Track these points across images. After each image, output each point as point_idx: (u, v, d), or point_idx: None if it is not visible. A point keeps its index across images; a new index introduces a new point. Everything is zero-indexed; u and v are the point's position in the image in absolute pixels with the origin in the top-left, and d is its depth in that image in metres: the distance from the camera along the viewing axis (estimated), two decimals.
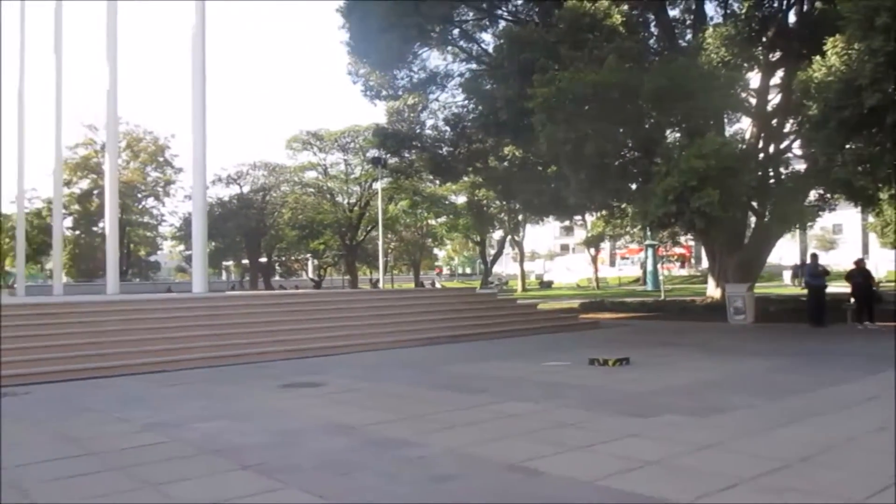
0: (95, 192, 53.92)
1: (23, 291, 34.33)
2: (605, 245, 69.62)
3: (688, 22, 24.23)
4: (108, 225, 25.79)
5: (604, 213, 31.09)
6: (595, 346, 13.68)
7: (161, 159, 58.04)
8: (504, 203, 47.25)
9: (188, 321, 14.72)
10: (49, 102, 32.25)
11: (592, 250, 60.04)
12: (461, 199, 55.51)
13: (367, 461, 5.63)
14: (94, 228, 55.61)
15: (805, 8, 20.08)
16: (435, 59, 28.75)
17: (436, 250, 77.80)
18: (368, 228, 56.71)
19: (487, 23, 25.98)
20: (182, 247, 61.66)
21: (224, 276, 73.18)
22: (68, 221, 54.19)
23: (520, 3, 25.04)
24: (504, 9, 25.21)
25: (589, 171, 17.92)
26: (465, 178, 36.95)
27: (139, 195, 57.64)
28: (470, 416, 7.35)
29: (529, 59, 19.38)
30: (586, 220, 54.92)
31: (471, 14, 25.51)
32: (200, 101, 20.41)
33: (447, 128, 28.52)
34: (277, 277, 64.97)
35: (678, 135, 19.62)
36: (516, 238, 59.10)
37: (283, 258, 65.30)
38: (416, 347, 15.01)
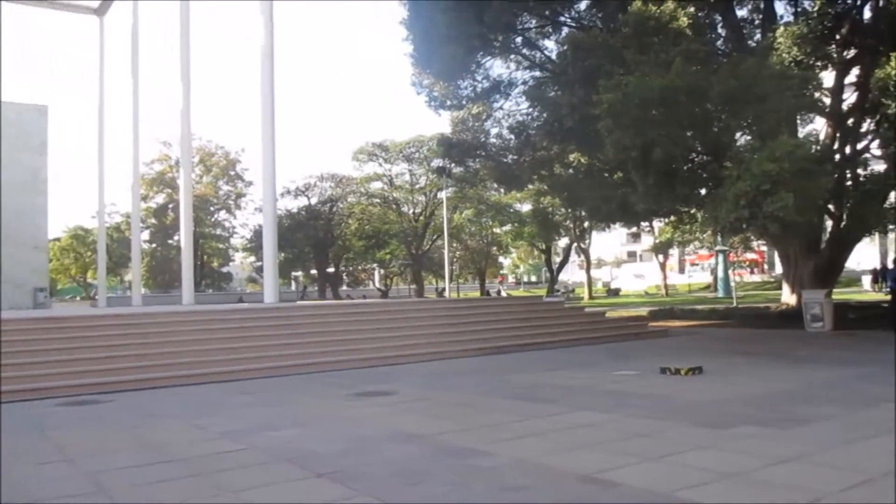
0: (170, 205, 55.82)
1: (104, 302, 35.74)
2: (674, 251, 68.23)
3: (756, 22, 23.62)
4: (184, 238, 26.66)
5: (672, 218, 30.48)
6: (666, 355, 13.43)
7: (232, 173, 59.73)
8: (569, 210, 46.88)
9: (260, 331, 15.05)
10: (127, 121, 33.58)
11: (661, 257, 58.95)
12: (526, 207, 55.28)
13: (437, 470, 5.66)
14: (170, 241, 57.51)
15: (881, 3, 19.35)
16: (498, 67, 28.78)
17: (501, 259, 77.65)
18: (434, 238, 57.05)
19: (550, 30, 25.86)
20: (252, 258, 63.16)
21: (293, 287, 74.61)
22: (145, 234, 56.22)
23: (583, 8, 24.84)
24: (567, 15, 25.05)
25: (657, 176, 17.61)
26: (530, 186, 36.72)
27: (212, 208, 59.37)
28: (540, 426, 7.31)
29: (594, 64, 19.22)
30: (654, 227, 53.98)
31: (533, 22, 25.45)
32: (270, 117, 20.93)
33: (511, 136, 28.44)
34: (344, 287, 65.91)
35: (748, 137, 19.13)
36: (582, 245, 58.50)
37: (351, 268, 66.19)
38: (484, 356, 15.00)
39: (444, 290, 57.70)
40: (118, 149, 67.02)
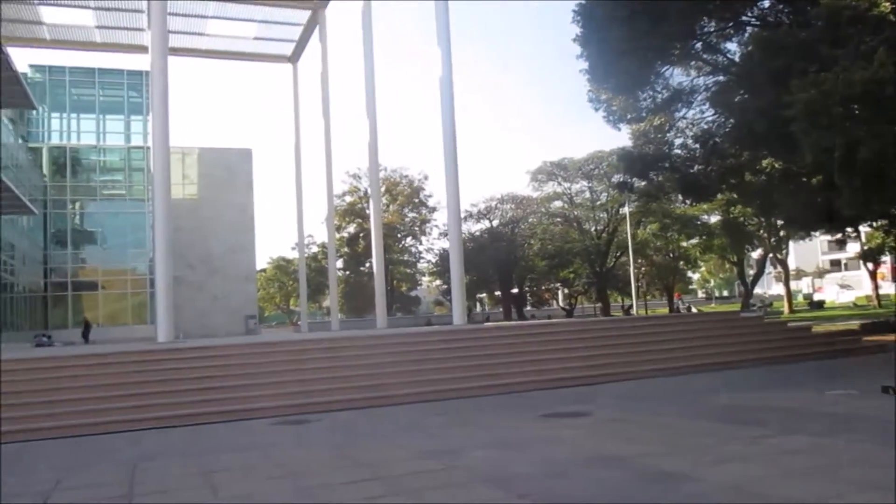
0: (361, 234, 58.87)
1: (306, 328, 38.26)
2: (886, 258, 62.04)
3: None
4: (375, 264, 27.99)
5: (883, 222, 27.84)
6: (886, 372, 12.23)
7: (416, 200, 62.01)
8: (763, 219, 44.17)
9: (451, 353, 15.44)
10: (320, 158, 35.95)
11: (870, 265, 53.84)
12: (715, 219, 52.72)
13: (643, 495, 5.52)
14: (362, 268, 60.60)
15: None
16: (678, 75, 27.77)
17: (689, 273, 74.45)
18: (618, 254, 55.90)
19: (732, 31, 24.67)
20: (439, 281, 65.04)
21: (478, 308, 75.90)
22: (339, 263, 59.61)
23: (767, 5, 23.50)
24: (750, 14, 23.79)
25: (864, 177, 16.20)
26: (719, 196, 35.06)
27: (399, 235, 61.88)
28: (747, 450, 6.92)
29: (783, 63, 18.07)
30: (861, 232, 49.45)
31: (713, 24, 24.43)
32: (451, 146, 21.61)
33: (697, 145, 27.37)
34: (528, 307, 66.06)
35: None
36: (779, 256, 54.76)
37: (534, 288, 66.27)
38: (678, 376, 14.45)
39: (630, 307, 56.20)
40: (313, 184, 71.59)
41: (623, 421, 9.40)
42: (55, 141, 46.80)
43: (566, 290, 66.95)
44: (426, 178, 62.49)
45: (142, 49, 37.54)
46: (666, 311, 58.15)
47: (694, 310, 58.84)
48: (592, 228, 57.57)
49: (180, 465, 7.84)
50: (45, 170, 45.57)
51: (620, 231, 52.80)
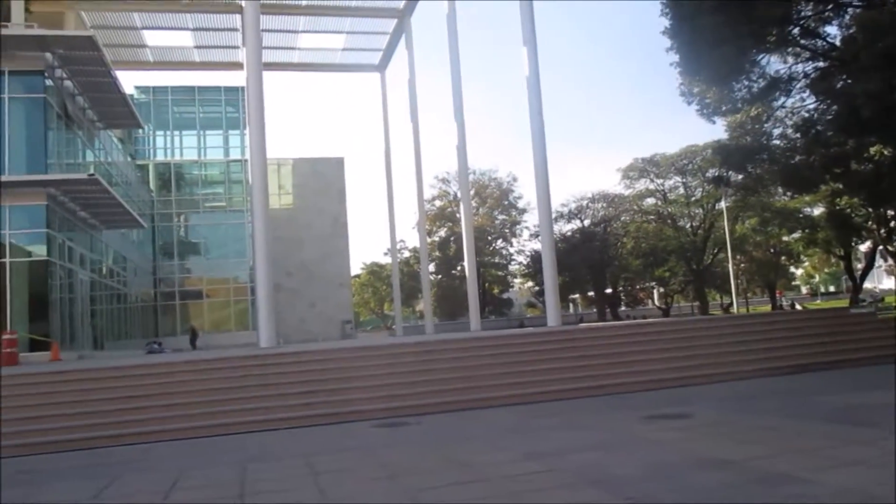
0: (452, 238, 59.29)
1: (401, 331, 38.81)
2: None
3: None
4: (468, 268, 28.13)
5: None
6: None
7: (506, 203, 61.98)
8: (872, 210, 41.94)
9: (546, 354, 15.35)
10: (409, 163, 36.44)
11: None
12: (818, 211, 50.42)
13: (754, 498, 5.36)
14: (453, 272, 61.01)
15: None
16: (775, 63, 26.83)
17: (792, 269, 71.43)
18: (715, 251, 54.29)
19: (831, 14, 23.62)
20: (531, 283, 64.76)
21: (571, 309, 75.14)
22: (431, 267, 60.22)
23: None
24: None
25: None
26: (822, 187, 33.56)
27: (489, 238, 62.00)
28: (865, 453, 6.60)
29: (890, 44, 17.19)
30: None
31: (810, 8, 23.45)
32: (541, 146, 21.49)
33: (797, 135, 26.32)
34: (623, 308, 64.93)
35: None
36: (889, 248, 51.81)
37: (629, 288, 65.10)
38: (783, 376, 13.91)
39: (730, 305, 54.42)
40: (404, 189, 72.53)
41: (728, 423, 9.13)
42: (160, 158, 49.28)
43: (662, 290, 65.47)
44: (515, 179, 62.47)
45: (237, 66, 39.11)
46: (768, 308, 56.01)
47: (798, 307, 56.46)
48: (688, 225, 56.12)
49: (287, 466, 8.11)
50: (152, 185, 48.02)
51: (717, 227, 51.26)
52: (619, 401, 11.96)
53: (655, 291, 68.63)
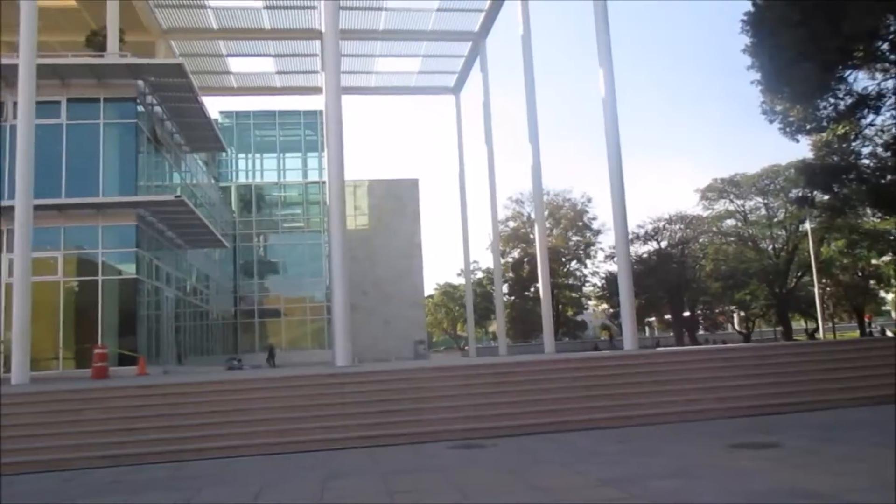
0: (525, 259, 59.04)
1: (474, 353, 38.76)
2: None
3: None
4: (542, 289, 27.97)
5: None
6: None
7: (580, 223, 61.43)
8: None
9: (624, 378, 15.06)
10: (483, 184, 36.59)
11: None
12: None
13: None
14: (526, 293, 60.67)
15: None
16: (862, 79, 25.91)
17: (882, 293, 68.22)
18: (799, 274, 52.40)
19: None
20: (606, 305, 63.81)
21: (647, 333, 73.63)
22: (504, 288, 60.05)
23: None
24: None
25: None
26: None
27: (563, 259, 61.48)
28: None
29: None
30: None
31: None
32: (617, 167, 21.26)
33: (888, 153, 25.26)
34: (701, 332, 63.22)
35: None
36: None
37: (707, 311, 63.38)
38: (873, 406, 13.24)
39: (815, 331, 52.33)
40: (477, 210, 72.95)
41: (818, 453, 8.74)
42: (242, 180, 50.85)
43: (742, 313, 63.49)
44: (589, 200, 61.90)
45: (317, 90, 40.19)
46: (856, 334, 53.62)
47: (889, 333, 53.81)
48: (770, 247, 54.40)
49: (364, 484, 8.18)
50: (234, 206, 49.56)
51: (801, 249, 49.52)
52: (700, 427, 11.63)
53: (735, 315, 66.60)
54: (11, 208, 18.78)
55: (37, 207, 19.00)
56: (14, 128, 21.00)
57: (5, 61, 23.13)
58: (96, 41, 28.96)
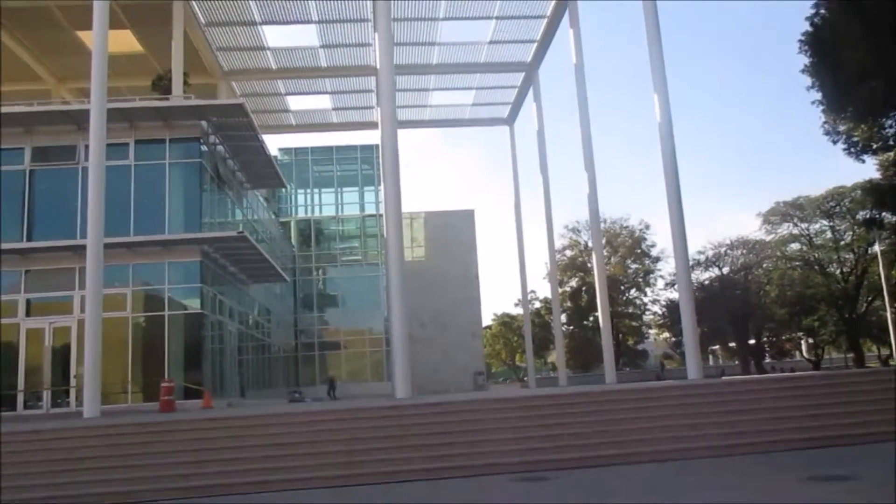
0: (583, 288, 58.43)
1: (534, 383, 38.37)
2: None
3: None
4: (601, 318, 27.62)
5: None
6: None
7: (638, 251, 60.62)
8: None
9: (690, 408, 14.71)
10: (539, 213, 36.49)
11: None
12: None
13: None
14: (585, 322, 59.94)
15: None
16: None
17: None
18: (870, 298, 50.55)
19: None
20: (667, 334, 62.58)
21: (710, 361, 71.80)
22: (562, 317, 59.48)
23: None
24: None
25: None
26: None
27: (622, 287, 60.65)
28: None
29: None
30: None
31: None
32: (675, 193, 21.00)
33: None
34: (768, 359, 61.36)
35: None
36: None
37: (773, 338, 61.54)
38: None
39: (889, 357, 50.29)
40: (534, 240, 72.66)
41: None
42: (301, 214, 51.82)
43: (811, 340, 61.42)
44: (647, 227, 61.08)
45: (372, 125, 40.87)
46: None
47: None
48: (837, 271, 52.70)
49: None
50: (294, 241, 50.47)
51: (871, 272, 47.85)
52: (773, 459, 11.27)
53: (804, 342, 64.50)
54: (83, 247, 19.50)
55: (107, 245, 19.68)
56: (86, 170, 21.86)
57: (77, 107, 24.17)
58: (162, 85, 30.11)
